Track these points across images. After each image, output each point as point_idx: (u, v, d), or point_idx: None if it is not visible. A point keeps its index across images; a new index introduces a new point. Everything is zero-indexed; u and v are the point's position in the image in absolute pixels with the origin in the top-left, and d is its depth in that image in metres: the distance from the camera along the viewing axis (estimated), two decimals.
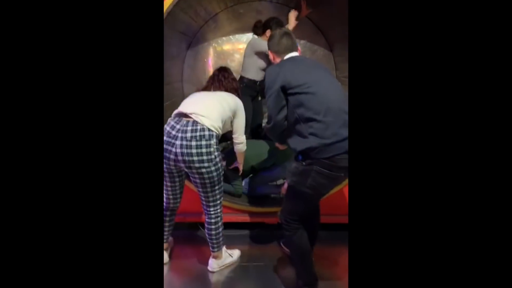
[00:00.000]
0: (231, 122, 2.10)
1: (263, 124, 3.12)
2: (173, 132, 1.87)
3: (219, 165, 1.92)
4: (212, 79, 2.22)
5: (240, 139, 2.16)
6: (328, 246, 2.37)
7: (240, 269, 2.16)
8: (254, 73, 2.98)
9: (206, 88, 2.20)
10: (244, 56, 3.04)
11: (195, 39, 3.51)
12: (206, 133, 1.85)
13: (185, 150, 1.82)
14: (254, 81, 3.00)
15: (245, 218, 2.55)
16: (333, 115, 1.53)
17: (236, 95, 2.17)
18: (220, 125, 1.96)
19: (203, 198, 1.99)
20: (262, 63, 2.94)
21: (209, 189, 1.94)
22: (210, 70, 3.66)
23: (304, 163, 1.57)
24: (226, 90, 2.15)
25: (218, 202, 2.01)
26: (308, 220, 1.91)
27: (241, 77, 3.03)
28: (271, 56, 1.83)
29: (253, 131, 3.16)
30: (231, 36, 3.43)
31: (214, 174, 1.90)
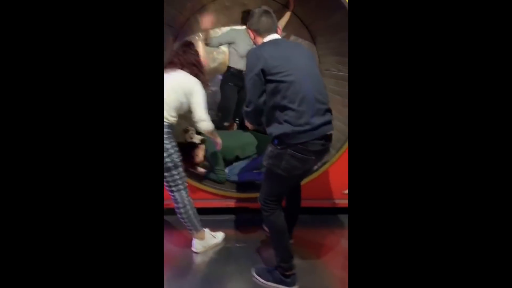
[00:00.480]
0: (190, 103, 2.08)
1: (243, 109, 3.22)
2: None
3: (171, 151, 1.99)
4: (171, 55, 2.17)
5: (201, 117, 2.09)
6: (311, 229, 2.51)
7: (224, 251, 2.27)
8: (237, 61, 3.09)
9: (166, 66, 2.11)
10: (229, 46, 3.15)
11: (182, 32, 3.57)
12: None
13: None
14: (240, 71, 3.10)
15: (230, 204, 2.66)
16: (307, 104, 1.61)
17: (196, 70, 2.13)
18: (173, 113, 2.01)
19: (165, 185, 2.08)
20: (242, 52, 3.04)
21: (167, 175, 2.03)
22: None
23: (279, 147, 1.67)
24: (183, 66, 2.10)
25: (181, 187, 2.09)
26: (289, 202, 2.04)
27: (228, 67, 3.16)
28: (251, 34, 1.80)
29: (242, 121, 3.26)
30: (217, 29, 3.51)
31: (167, 160, 1.98)
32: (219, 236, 2.35)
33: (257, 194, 2.61)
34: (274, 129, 1.67)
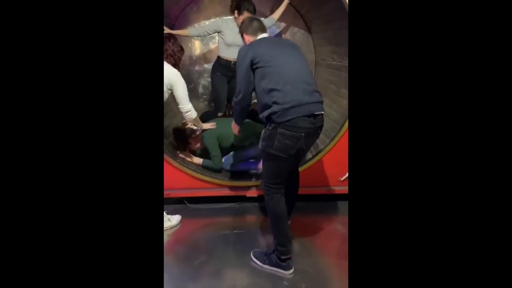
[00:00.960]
0: (172, 94, 2.20)
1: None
2: None
3: None
4: None
5: (185, 108, 2.28)
6: (307, 215, 2.58)
7: (222, 237, 2.34)
8: (225, 50, 3.12)
9: None
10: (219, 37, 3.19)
11: (178, 22, 3.57)
12: None
13: None
14: (228, 61, 3.13)
15: (228, 192, 2.71)
16: (291, 84, 1.76)
17: (173, 61, 2.25)
18: None
19: None
20: (228, 40, 3.07)
21: None
22: (195, 53, 3.76)
23: (270, 128, 1.79)
24: (165, 60, 2.22)
25: None
26: (287, 187, 2.07)
27: (218, 57, 3.20)
28: (245, 39, 2.01)
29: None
30: (213, 19, 3.51)
31: None
32: (175, 219, 2.46)
33: (252, 183, 2.70)
34: (265, 112, 1.79)
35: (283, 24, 3.70)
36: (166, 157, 2.56)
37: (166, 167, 2.53)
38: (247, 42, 1.98)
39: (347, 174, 2.68)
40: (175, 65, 2.29)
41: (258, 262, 2.00)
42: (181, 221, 2.48)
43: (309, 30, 3.72)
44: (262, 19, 3.32)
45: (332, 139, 2.64)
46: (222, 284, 1.86)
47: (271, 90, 1.75)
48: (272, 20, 3.22)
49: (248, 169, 2.83)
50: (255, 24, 1.99)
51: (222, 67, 3.18)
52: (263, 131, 1.85)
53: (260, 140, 1.86)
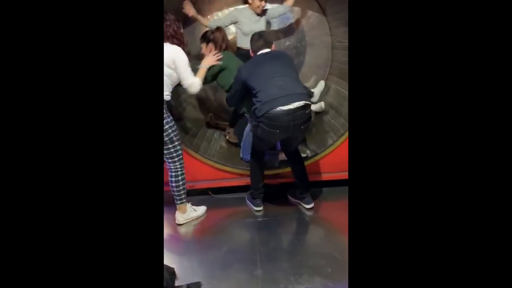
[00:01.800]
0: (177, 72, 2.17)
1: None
2: None
3: (166, 127, 2.17)
4: None
5: (189, 82, 2.21)
6: (333, 200, 2.60)
7: (247, 225, 2.39)
8: (243, 40, 3.09)
9: None
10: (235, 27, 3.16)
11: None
12: None
13: None
14: (248, 50, 3.11)
15: (248, 181, 2.75)
16: (269, 86, 2.14)
17: (177, 42, 2.18)
18: (166, 90, 2.18)
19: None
20: (246, 30, 3.02)
21: (164, 149, 2.23)
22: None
23: (253, 122, 2.28)
24: (167, 41, 2.16)
25: (176, 159, 2.29)
26: (293, 173, 2.56)
27: (237, 48, 3.18)
28: (250, 52, 2.43)
29: None
30: (225, 10, 3.50)
31: (169, 131, 2.19)
32: (201, 209, 2.52)
33: (273, 171, 2.73)
34: (252, 108, 2.23)
35: (297, 9, 3.63)
36: (188, 150, 2.62)
37: (190, 160, 2.59)
38: (252, 54, 2.41)
39: None
40: (180, 46, 2.19)
41: (247, 201, 2.63)
42: (206, 212, 2.55)
43: (324, 12, 3.64)
44: (276, 5, 3.30)
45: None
46: (249, 269, 1.91)
47: (255, 94, 2.17)
48: (286, 8, 3.17)
49: (268, 160, 2.85)
50: (260, 42, 2.34)
51: (244, 57, 3.15)
52: (253, 122, 2.32)
53: (250, 126, 2.45)
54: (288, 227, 2.29)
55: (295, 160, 2.51)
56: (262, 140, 2.27)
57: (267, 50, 2.33)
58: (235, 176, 2.74)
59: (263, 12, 3.09)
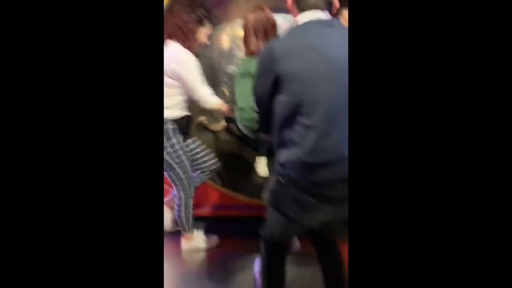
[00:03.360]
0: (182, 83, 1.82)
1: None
2: None
3: (177, 148, 1.95)
4: None
5: (203, 94, 1.79)
6: None
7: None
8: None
9: None
10: None
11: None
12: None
13: None
14: None
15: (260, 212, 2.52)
16: (327, 117, 1.12)
17: (181, 34, 1.77)
18: (176, 105, 1.89)
19: (169, 180, 2.08)
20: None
21: (170, 172, 2.02)
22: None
23: (279, 181, 1.25)
24: (170, 36, 1.79)
25: (186, 185, 2.05)
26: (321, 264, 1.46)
27: None
28: (289, 2, 1.28)
29: None
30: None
31: (166, 157, 1.94)
32: (211, 242, 2.26)
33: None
34: (279, 151, 1.19)
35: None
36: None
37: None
38: (291, 9, 1.28)
39: None
40: (185, 40, 1.79)
41: None
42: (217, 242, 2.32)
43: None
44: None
45: None
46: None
47: (293, 119, 1.11)
48: None
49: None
50: None
51: None
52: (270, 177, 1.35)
53: (266, 189, 1.29)
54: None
55: (327, 247, 1.45)
56: (291, 217, 1.23)
57: (320, 13, 1.23)
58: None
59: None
